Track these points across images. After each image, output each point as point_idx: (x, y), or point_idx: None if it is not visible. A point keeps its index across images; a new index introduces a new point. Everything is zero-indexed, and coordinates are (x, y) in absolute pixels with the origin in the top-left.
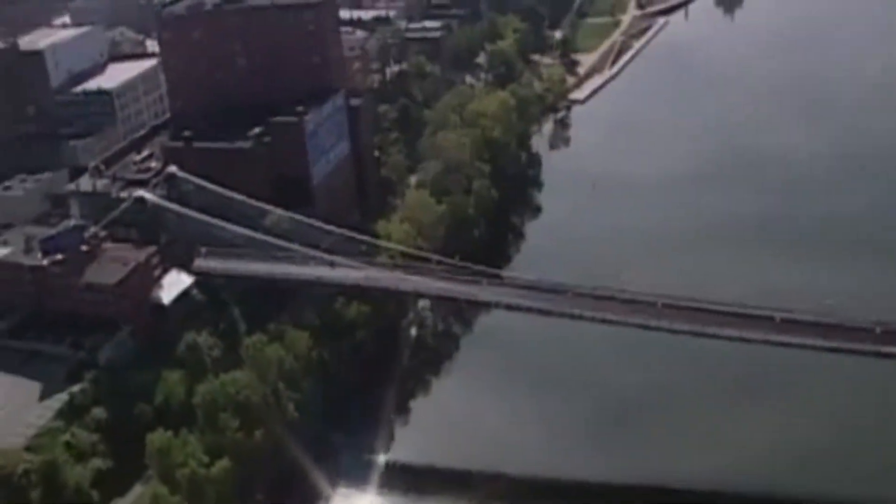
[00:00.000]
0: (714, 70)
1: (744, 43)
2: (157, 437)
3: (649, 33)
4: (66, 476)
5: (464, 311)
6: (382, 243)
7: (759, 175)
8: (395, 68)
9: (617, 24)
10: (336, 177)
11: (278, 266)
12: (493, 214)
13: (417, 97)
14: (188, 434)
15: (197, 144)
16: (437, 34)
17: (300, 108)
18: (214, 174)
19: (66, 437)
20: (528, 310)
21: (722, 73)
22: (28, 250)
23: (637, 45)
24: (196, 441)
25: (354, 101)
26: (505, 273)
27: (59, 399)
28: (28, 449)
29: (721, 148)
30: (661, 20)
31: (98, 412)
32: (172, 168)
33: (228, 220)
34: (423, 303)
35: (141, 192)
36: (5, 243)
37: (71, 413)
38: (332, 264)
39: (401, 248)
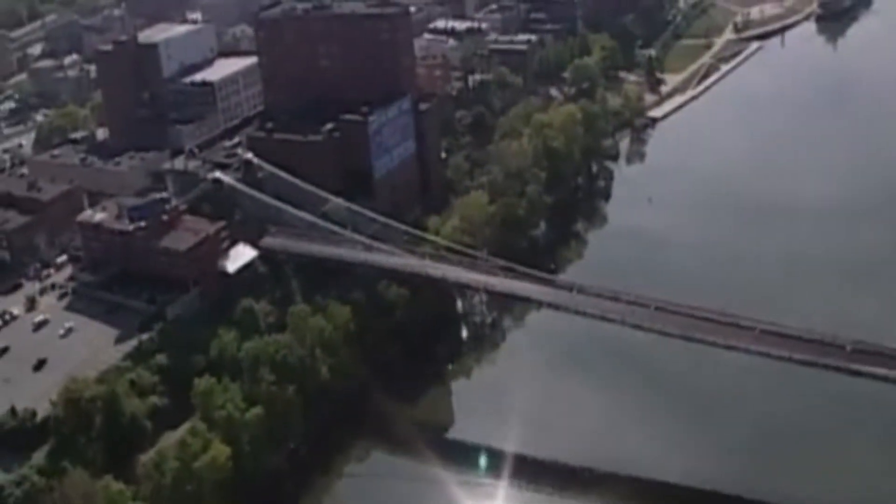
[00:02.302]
0: (798, 97)
1: (839, 72)
2: (203, 382)
3: (739, 57)
4: (125, 407)
5: (512, 307)
6: (429, 236)
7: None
8: (479, 77)
9: (709, 46)
10: (399, 173)
11: (330, 248)
12: (548, 220)
13: (496, 106)
14: (230, 382)
15: (277, 136)
16: (523, 47)
17: (365, 109)
18: (291, 163)
19: (132, 375)
20: (539, 303)
21: (806, 101)
22: (119, 217)
23: (725, 68)
24: (237, 389)
25: (423, 106)
26: (522, 269)
27: (130, 344)
28: (98, 381)
29: (792, 173)
30: (754, 45)
31: (161, 358)
32: (248, 155)
33: (295, 204)
34: (477, 297)
35: (218, 174)
36: (104, 209)
37: (138, 357)
38: (370, 249)
39: (442, 241)
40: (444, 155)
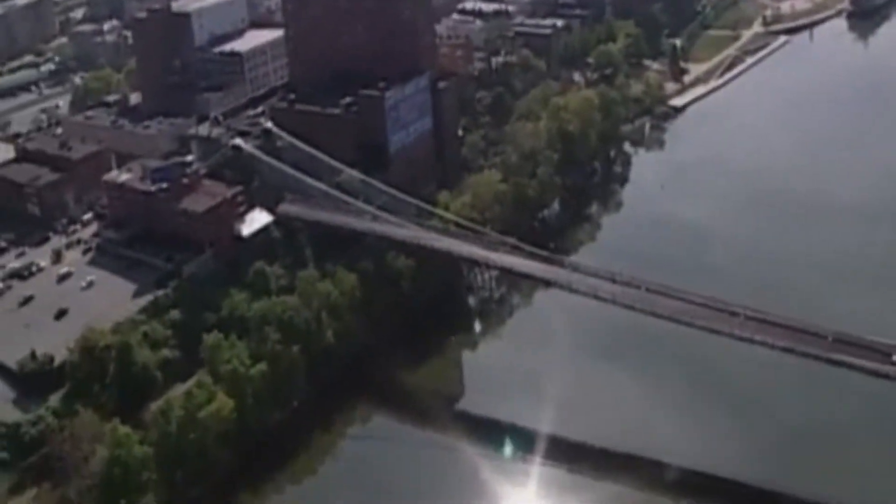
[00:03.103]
0: (822, 93)
1: (867, 69)
2: (212, 337)
3: (765, 50)
4: (138, 357)
5: (522, 285)
6: (437, 211)
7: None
8: (502, 59)
9: (736, 38)
10: (415, 149)
11: (342, 217)
12: (561, 202)
13: (518, 88)
14: (238, 340)
15: (298, 107)
16: (547, 31)
17: (382, 84)
18: (310, 134)
19: (146, 328)
20: (535, 279)
21: (830, 97)
22: (142, 178)
23: (750, 60)
24: (243, 346)
25: (441, 84)
26: (524, 247)
27: (147, 299)
28: (113, 332)
29: (812, 170)
30: (781, 39)
31: (174, 314)
32: (268, 124)
33: (311, 174)
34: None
35: (238, 141)
36: (129, 170)
37: (153, 311)
38: (379, 220)
39: (450, 216)
40: (461, 133)
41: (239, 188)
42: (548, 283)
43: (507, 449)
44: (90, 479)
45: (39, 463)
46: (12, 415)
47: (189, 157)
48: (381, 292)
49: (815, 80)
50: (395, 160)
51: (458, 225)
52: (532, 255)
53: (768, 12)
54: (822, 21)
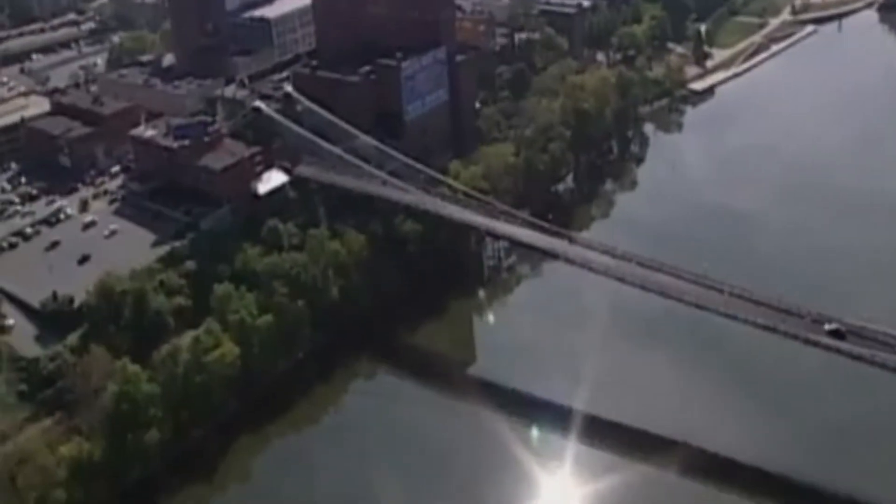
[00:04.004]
0: (843, 84)
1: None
2: (222, 288)
3: (791, 38)
4: (152, 303)
5: (531, 256)
6: (446, 179)
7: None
8: (525, 36)
9: (763, 25)
10: (431, 119)
11: (354, 180)
12: (574, 177)
13: (538, 65)
14: (247, 292)
15: (319, 73)
16: (571, 10)
17: (399, 55)
18: (330, 100)
19: (162, 276)
20: (534, 248)
21: (853, 88)
22: (167, 135)
23: (775, 48)
24: (252, 298)
25: (460, 57)
26: (526, 217)
27: (165, 249)
28: (131, 278)
29: (822, 159)
30: (808, 28)
31: (190, 264)
32: (288, 88)
33: (328, 138)
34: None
35: (258, 104)
36: (154, 127)
37: (170, 261)
38: (387, 184)
39: (458, 185)
40: (478, 106)
41: (258, 148)
42: (545, 253)
43: (513, 411)
44: (100, 412)
45: (55, 395)
46: (33, 350)
47: (218, 118)
48: (388, 254)
49: (840, 71)
50: (410, 129)
51: (466, 194)
52: (535, 226)
53: (798, 1)
54: (853, 12)
